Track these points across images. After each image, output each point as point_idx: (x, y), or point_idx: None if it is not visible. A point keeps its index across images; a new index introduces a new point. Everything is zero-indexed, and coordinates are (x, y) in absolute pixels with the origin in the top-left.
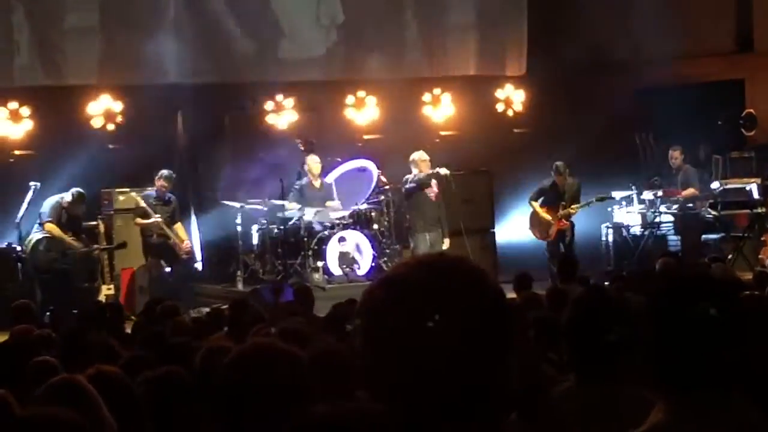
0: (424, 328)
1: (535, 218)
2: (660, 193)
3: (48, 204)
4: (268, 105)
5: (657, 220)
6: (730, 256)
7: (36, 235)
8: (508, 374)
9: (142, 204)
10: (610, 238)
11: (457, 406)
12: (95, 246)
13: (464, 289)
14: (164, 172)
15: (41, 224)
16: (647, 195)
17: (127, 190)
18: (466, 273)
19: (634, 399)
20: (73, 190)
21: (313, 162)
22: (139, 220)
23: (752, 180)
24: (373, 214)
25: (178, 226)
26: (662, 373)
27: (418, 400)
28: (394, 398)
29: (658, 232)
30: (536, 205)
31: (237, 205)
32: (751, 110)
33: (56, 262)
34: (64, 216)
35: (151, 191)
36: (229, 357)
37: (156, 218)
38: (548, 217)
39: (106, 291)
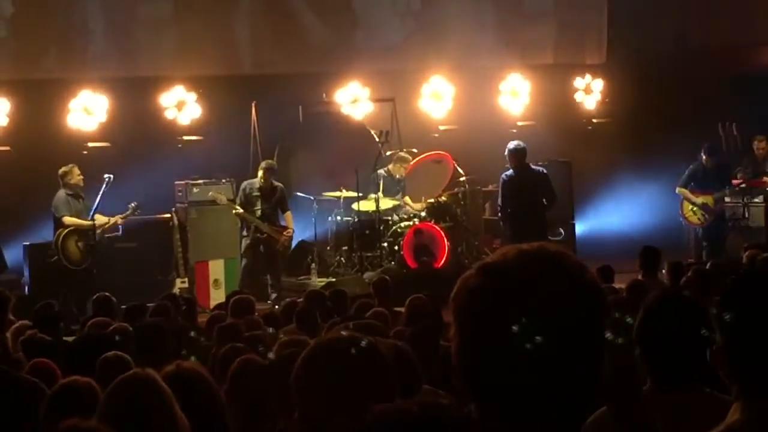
0: (520, 320)
1: (687, 205)
2: (744, 184)
3: (55, 201)
4: (344, 95)
5: (743, 210)
6: None
7: (62, 232)
8: (601, 373)
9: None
10: (693, 229)
11: (549, 405)
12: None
13: (563, 282)
14: (264, 162)
15: (57, 221)
16: (733, 185)
17: (201, 181)
18: (567, 266)
19: (709, 403)
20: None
21: (393, 153)
22: (239, 211)
23: None
24: (449, 205)
25: (288, 215)
26: (737, 373)
27: (511, 398)
28: (484, 394)
29: (741, 223)
30: (685, 191)
31: (311, 196)
32: None
33: (88, 255)
34: (74, 205)
35: (252, 181)
36: (308, 349)
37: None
38: (702, 201)
39: (180, 284)
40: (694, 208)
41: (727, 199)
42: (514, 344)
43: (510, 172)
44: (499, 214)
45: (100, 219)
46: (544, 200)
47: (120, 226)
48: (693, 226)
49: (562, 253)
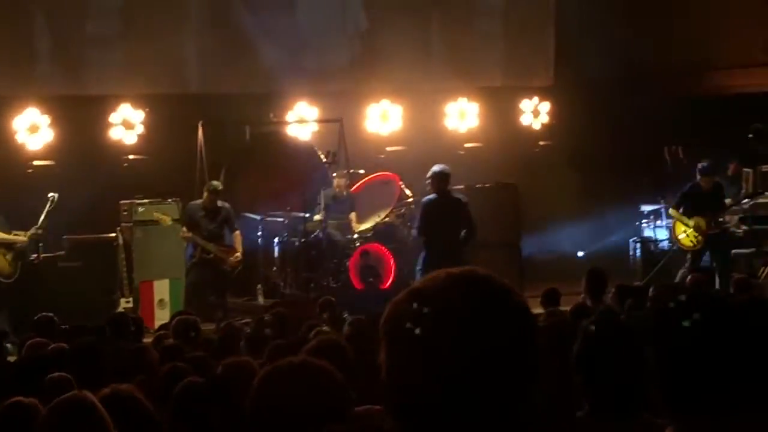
0: (450, 343)
1: (679, 227)
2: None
3: None
4: (292, 115)
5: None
6: (761, 272)
7: None
8: (532, 396)
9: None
10: (638, 253)
11: (477, 427)
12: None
13: (491, 305)
14: (208, 183)
15: None
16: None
17: (147, 201)
18: (495, 289)
19: (647, 429)
20: None
21: (337, 174)
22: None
23: None
24: (396, 227)
25: (237, 235)
26: (669, 397)
27: (438, 418)
28: (412, 415)
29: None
30: (677, 213)
31: (258, 217)
32: None
33: (17, 268)
34: None
35: (197, 202)
36: (263, 374)
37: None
38: (694, 222)
39: (124, 304)
40: (687, 231)
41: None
42: (442, 367)
43: (432, 196)
44: (418, 238)
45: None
46: (463, 231)
47: (65, 246)
48: (685, 248)
49: (490, 276)
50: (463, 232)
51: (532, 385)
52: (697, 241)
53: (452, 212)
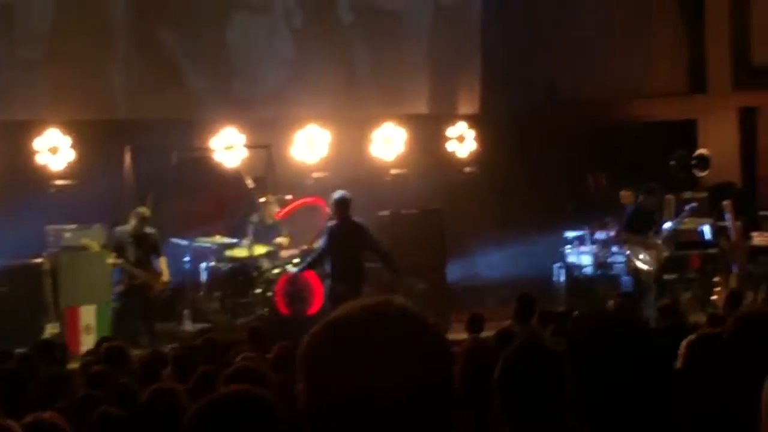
0: (366, 374)
1: (636, 250)
2: (612, 233)
3: None
4: (219, 142)
5: (609, 260)
6: (683, 297)
7: None
8: (448, 423)
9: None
10: (562, 278)
11: None
12: None
13: (407, 336)
14: (136, 210)
15: None
16: (599, 235)
17: (74, 226)
18: (411, 320)
19: None
20: None
21: (264, 200)
22: (114, 258)
23: (704, 221)
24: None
25: (162, 261)
26: (587, 421)
27: None
28: None
29: (611, 272)
30: (631, 236)
31: (185, 242)
32: (703, 151)
33: None
34: None
35: (125, 228)
36: (201, 405)
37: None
38: (649, 244)
39: (50, 329)
40: (642, 254)
41: (594, 247)
42: (359, 398)
43: (333, 222)
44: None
45: None
46: (376, 253)
47: None
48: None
49: (406, 307)
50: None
51: (448, 413)
52: (657, 261)
53: (354, 238)
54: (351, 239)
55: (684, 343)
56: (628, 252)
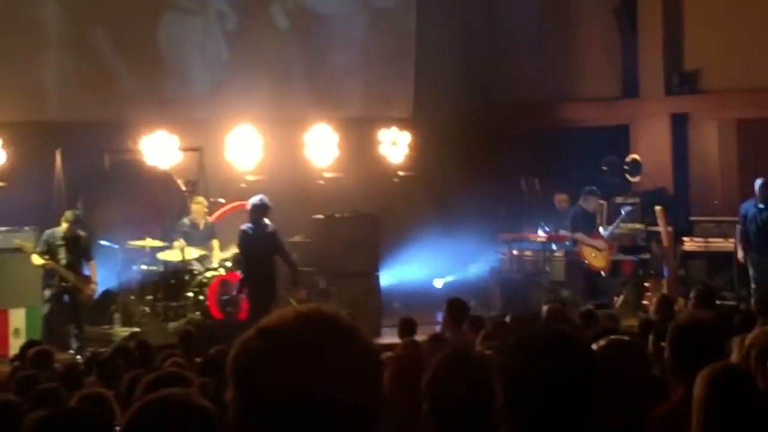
0: (298, 381)
1: (588, 251)
2: (545, 238)
3: None
4: (151, 144)
5: (544, 264)
6: (615, 301)
7: None
8: (376, 429)
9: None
10: (495, 283)
11: None
12: None
13: (338, 343)
14: (68, 213)
15: None
16: (534, 239)
17: (4, 229)
18: (342, 327)
19: None
20: None
21: (197, 203)
22: (44, 262)
23: (637, 226)
24: None
25: (92, 265)
26: (515, 426)
27: None
28: None
29: (544, 277)
30: (584, 236)
31: (116, 245)
32: (636, 156)
33: None
34: None
35: (55, 230)
36: (133, 410)
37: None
38: (599, 244)
39: None
40: (594, 253)
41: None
42: (289, 405)
43: (248, 225)
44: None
45: None
46: (284, 260)
47: None
48: (596, 269)
49: (337, 315)
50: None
51: (377, 418)
52: (607, 263)
53: (265, 241)
54: (265, 244)
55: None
56: (579, 251)
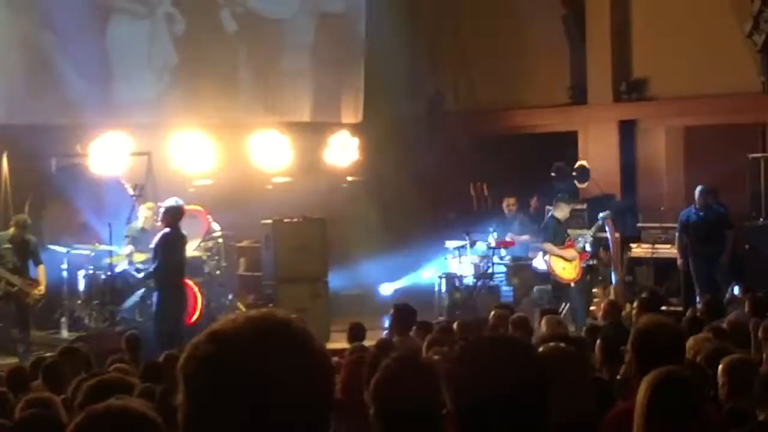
0: (249, 386)
1: (557, 262)
2: (493, 243)
3: None
4: (99, 148)
5: (490, 270)
6: (562, 308)
7: None
8: None
9: None
10: (444, 288)
11: None
12: None
13: (291, 348)
14: (16, 216)
15: None
16: (481, 245)
17: None
18: (295, 333)
19: None
20: None
21: (147, 208)
22: None
23: (584, 232)
24: (203, 260)
25: (41, 269)
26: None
27: None
28: None
29: (491, 282)
30: (553, 247)
31: (63, 249)
32: (584, 162)
33: None
34: None
35: (2, 234)
36: (77, 421)
37: None
38: (570, 254)
39: None
40: (563, 264)
41: (475, 257)
42: (239, 410)
43: (167, 231)
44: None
45: None
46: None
47: None
48: (566, 282)
49: (289, 320)
50: None
51: (329, 424)
52: (580, 270)
53: (181, 245)
54: (179, 246)
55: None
56: (548, 262)
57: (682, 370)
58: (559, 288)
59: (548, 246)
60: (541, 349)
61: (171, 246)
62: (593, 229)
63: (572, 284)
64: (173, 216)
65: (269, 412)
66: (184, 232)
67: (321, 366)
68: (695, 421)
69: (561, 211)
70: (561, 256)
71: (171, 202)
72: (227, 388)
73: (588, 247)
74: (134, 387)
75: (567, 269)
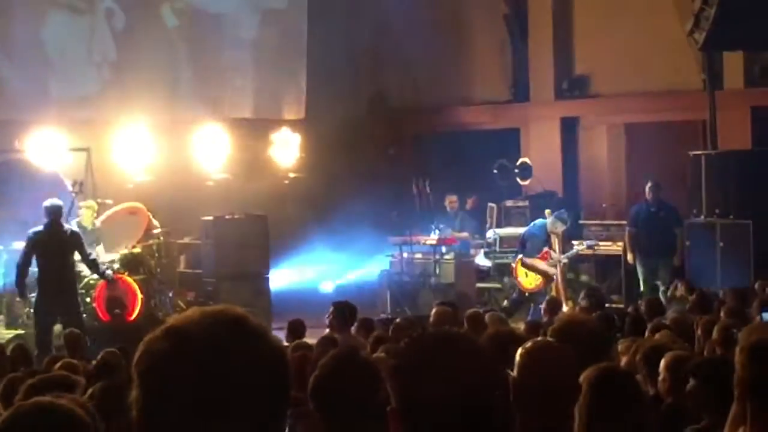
0: (205, 381)
1: (522, 271)
2: (435, 241)
3: None
4: (37, 144)
5: (434, 267)
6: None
7: None
8: (283, 430)
9: None
10: (386, 285)
11: None
12: None
13: (247, 344)
14: None
15: None
16: (424, 242)
17: None
18: (250, 328)
19: None
20: None
21: (87, 207)
22: None
23: (521, 230)
24: (143, 258)
25: None
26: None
27: None
28: None
29: (434, 279)
30: (531, 260)
31: (1, 246)
32: (526, 159)
33: None
34: None
35: None
36: (5, 417)
37: None
38: (539, 265)
39: None
40: (528, 273)
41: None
42: (198, 405)
43: (40, 228)
44: (16, 273)
45: None
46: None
47: None
48: (525, 290)
49: (245, 315)
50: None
51: (285, 418)
52: (534, 285)
53: (62, 244)
54: (58, 245)
55: (521, 351)
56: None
57: (620, 366)
58: (519, 292)
59: (529, 260)
60: (528, 345)
61: (43, 242)
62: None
63: (527, 294)
64: (48, 214)
65: (228, 407)
66: (126, 228)
67: (277, 360)
68: (635, 416)
69: (556, 229)
70: (544, 271)
71: (48, 202)
72: (182, 383)
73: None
74: (77, 385)
75: (529, 278)
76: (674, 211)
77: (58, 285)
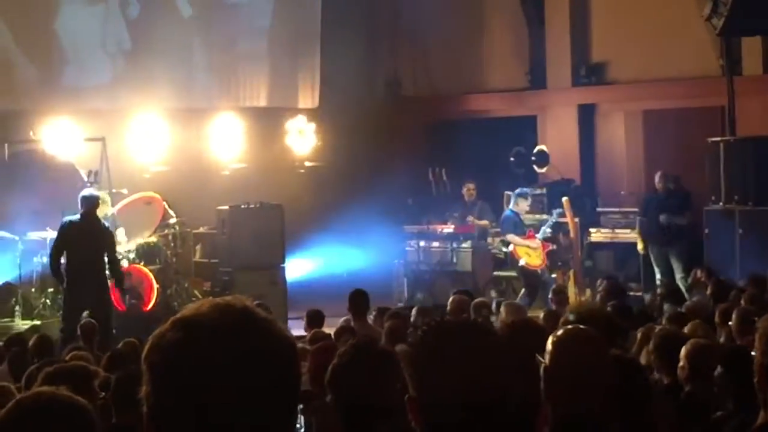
0: (215, 373)
1: (522, 250)
2: (452, 229)
3: None
4: (51, 134)
5: (450, 255)
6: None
7: None
8: (294, 421)
9: None
10: (403, 274)
11: None
12: None
13: (256, 335)
14: None
15: None
16: (441, 230)
17: None
18: (258, 319)
19: None
20: None
21: (100, 194)
22: None
23: (543, 217)
24: (159, 247)
25: None
26: (425, 424)
27: None
28: None
29: (451, 268)
30: (515, 237)
31: (15, 237)
32: (543, 147)
33: None
34: None
35: None
36: (8, 408)
37: None
38: (534, 243)
39: None
40: (529, 251)
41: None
42: (208, 397)
43: (76, 217)
44: (49, 261)
45: None
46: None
47: None
48: (534, 268)
49: (252, 307)
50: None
51: (296, 410)
52: (541, 259)
53: (95, 236)
54: (91, 237)
55: (553, 338)
56: (514, 251)
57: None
58: (529, 275)
59: (511, 237)
60: (563, 332)
61: (73, 233)
62: (553, 215)
63: (539, 270)
64: (84, 204)
65: (236, 399)
66: (141, 218)
67: (287, 352)
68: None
69: (519, 206)
70: (526, 245)
71: (87, 191)
72: (193, 376)
73: (549, 234)
74: (95, 375)
75: (532, 256)
76: (683, 198)
77: (91, 278)
